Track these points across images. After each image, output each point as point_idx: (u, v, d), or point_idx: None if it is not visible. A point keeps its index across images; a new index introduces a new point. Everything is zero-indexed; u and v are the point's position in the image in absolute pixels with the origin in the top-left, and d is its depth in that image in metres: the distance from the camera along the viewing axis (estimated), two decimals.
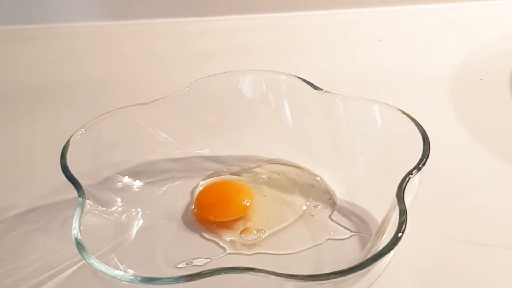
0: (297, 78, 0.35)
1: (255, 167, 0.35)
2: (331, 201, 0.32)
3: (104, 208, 0.30)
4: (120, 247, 0.29)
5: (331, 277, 0.21)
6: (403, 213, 0.24)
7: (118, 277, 0.22)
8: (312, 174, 0.34)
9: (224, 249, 0.29)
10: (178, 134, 0.36)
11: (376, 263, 0.22)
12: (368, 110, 0.32)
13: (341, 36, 0.58)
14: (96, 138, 0.31)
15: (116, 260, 0.27)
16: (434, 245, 0.29)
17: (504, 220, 0.31)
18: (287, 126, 0.36)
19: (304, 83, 0.34)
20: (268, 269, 0.22)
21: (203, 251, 0.29)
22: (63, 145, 0.29)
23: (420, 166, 0.26)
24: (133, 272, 0.26)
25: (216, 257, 0.28)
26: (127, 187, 0.33)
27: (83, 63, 0.55)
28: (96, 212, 0.28)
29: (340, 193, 0.32)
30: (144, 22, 0.63)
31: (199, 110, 0.36)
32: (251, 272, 0.22)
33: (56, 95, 0.48)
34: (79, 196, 0.26)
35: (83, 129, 0.31)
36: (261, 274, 0.22)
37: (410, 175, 0.26)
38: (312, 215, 0.31)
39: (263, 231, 0.30)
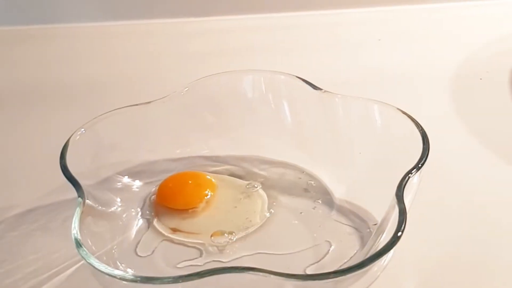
0: (297, 78, 0.35)
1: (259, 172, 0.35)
2: (330, 201, 0.32)
3: (103, 208, 0.30)
4: (120, 247, 0.29)
5: (331, 277, 0.21)
6: (402, 212, 0.24)
7: (118, 277, 0.22)
8: (309, 175, 0.34)
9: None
10: (177, 134, 0.36)
11: (376, 262, 0.22)
12: (367, 110, 0.32)
13: (340, 36, 0.58)
14: (95, 138, 0.31)
15: (116, 260, 0.27)
16: (434, 245, 0.29)
17: (504, 220, 0.31)
18: (286, 126, 0.36)
19: (304, 83, 0.34)
20: (268, 269, 0.22)
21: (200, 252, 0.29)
22: (62, 145, 0.29)
23: (420, 165, 0.26)
24: (132, 272, 0.26)
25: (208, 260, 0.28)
26: (127, 187, 0.33)
27: (83, 63, 0.55)
28: (96, 212, 0.28)
29: (340, 193, 0.32)
30: (144, 23, 0.63)
31: (199, 110, 0.36)
32: (251, 272, 0.22)
33: (55, 95, 0.48)
34: (79, 196, 0.26)
35: (82, 129, 0.31)
36: (261, 273, 0.22)
37: (409, 175, 0.26)
38: (312, 215, 0.31)
39: (233, 234, 0.30)
